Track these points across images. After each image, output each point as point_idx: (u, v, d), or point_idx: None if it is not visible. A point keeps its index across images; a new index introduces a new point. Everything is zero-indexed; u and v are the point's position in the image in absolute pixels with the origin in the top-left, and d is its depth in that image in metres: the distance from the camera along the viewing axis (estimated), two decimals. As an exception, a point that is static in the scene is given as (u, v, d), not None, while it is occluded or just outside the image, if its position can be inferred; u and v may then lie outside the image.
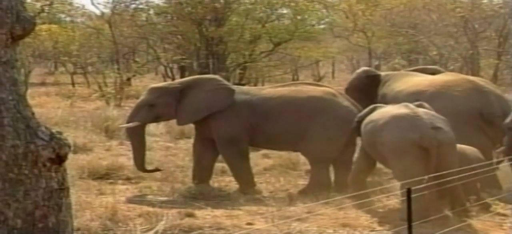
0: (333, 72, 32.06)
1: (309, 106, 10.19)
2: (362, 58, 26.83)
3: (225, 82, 11.13)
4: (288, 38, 23.43)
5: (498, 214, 8.79)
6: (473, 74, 23.06)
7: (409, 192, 6.25)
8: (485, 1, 24.37)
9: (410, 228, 6.27)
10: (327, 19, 27.00)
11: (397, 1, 25.19)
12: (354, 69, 27.11)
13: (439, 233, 7.86)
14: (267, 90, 10.81)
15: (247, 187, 10.14)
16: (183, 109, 10.52)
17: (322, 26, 27.20)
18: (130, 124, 10.66)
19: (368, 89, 11.00)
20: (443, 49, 24.37)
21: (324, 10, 25.56)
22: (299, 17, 23.78)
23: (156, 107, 10.56)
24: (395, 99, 10.18)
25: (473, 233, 8.10)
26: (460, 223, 8.27)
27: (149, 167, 10.85)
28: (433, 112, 8.95)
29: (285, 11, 24.46)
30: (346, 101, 10.34)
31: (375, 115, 9.19)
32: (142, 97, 10.94)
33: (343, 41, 27.80)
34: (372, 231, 8.06)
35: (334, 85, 21.40)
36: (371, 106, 9.59)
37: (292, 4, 23.64)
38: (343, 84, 20.23)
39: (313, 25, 25.12)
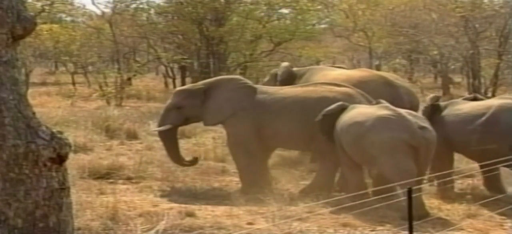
0: (333, 72, 32.05)
1: (319, 107, 10.14)
2: (362, 58, 26.81)
3: (247, 81, 11.19)
4: (289, 38, 23.42)
5: (499, 214, 8.80)
6: (473, 74, 23.14)
7: (410, 191, 6.25)
8: (485, 0, 24.35)
9: (410, 228, 6.28)
10: (327, 19, 27.00)
11: (397, 1, 25.19)
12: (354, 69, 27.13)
13: (440, 233, 7.87)
14: (284, 90, 10.80)
15: (249, 188, 10.11)
16: (208, 110, 10.65)
17: (322, 26, 27.20)
18: (162, 128, 10.85)
19: (283, 85, 11.57)
20: (444, 49, 24.34)
21: (324, 10, 25.57)
22: (299, 17, 23.77)
23: (184, 109, 10.75)
24: None
25: (474, 233, 8.11)
26: (460, 223, 8.28)
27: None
28: (415, 113, 9.29)
29: (286, 11, 24.49)
30: (362, 103, 10.18)
31: (356, 116, 9.31)
32: (169, 101, 11.15)
33: (343, 41, 27.80)
34: (372, 231, 8.07)
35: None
36: (339, 103, 9.74)
37: (293, 4, 23.64)
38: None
39: (314, 25, 25.12)
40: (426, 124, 9.10)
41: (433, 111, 10.13)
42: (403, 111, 9.18)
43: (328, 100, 10.13)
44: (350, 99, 10.13)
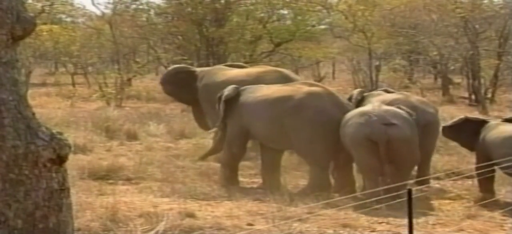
0: (333, 73, 32.06)
1: (280, 106, 10.38)
2: (362, 59, 26.72)
3: None
4: (289, 39, 23.41)
5: (499, 214, 8.80)
6: (473, 75, 23.13)
7: (410, 192, 6.25)
8: (485, 1, 24.35)
9: (410, 228, 6.28)
10: (327, 20, 26.96)
11: (397, 1, 25.17)
12: (354, 70, 27.15)
13: (440, 233, 7.87)
14: (262, 89, 10.97)
15: (227, 182, 10.45)
16: None
17: (322, 27, 27.16)
18: None
19: (185, 84, 13.49)
20: (444, 49, 24.32)
21: (324, 11, 25.54)
22: (299, 18, 23.76)
23: None
24: (221, 87, 12.19)
25: (474, 233, 8.11)
26: (460, 224, 8.28)
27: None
28: (394, 109, 9.76)
29: (286, 12, 24.47)
30: (322, 102, 10.32)
31: (350, 112, 10.00)
32: None
33: (343, 42, 27.73)
34: (372, 231, 8.07)
35: (335, 85, 21.45)
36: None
37: (292, 4, 23.63)
38: (344, 84, 20.29)
39: (314, 26, 25.10)
40: (397, 121, 9.50)
41: (358, 105, 10.79)
42: (382, 108, 9.69)
43: (292, 100, 10.35)
44: (306, 99, 10.32)
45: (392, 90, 12.53)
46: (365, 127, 9.42)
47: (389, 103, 10.30)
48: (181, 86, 13.61)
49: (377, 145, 9.30)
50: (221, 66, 14.68)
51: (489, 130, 9.78)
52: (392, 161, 9.27)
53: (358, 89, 12.24)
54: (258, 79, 12.21)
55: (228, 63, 15.67)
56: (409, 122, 9.63)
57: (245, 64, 15.10)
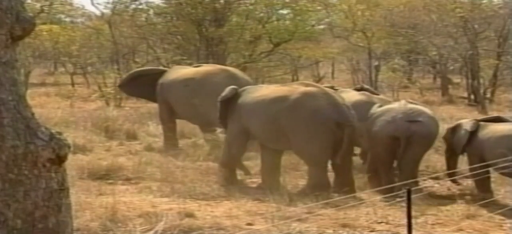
0: (332, 73, 32.06)
1: (276, 106, 10.40)
2: (361, 59, 26.74)
3: None
4: (288, 39, 23.41)
5: (498, 214, 8.80)
6: (472, 75, 23.14)
7: (409, 193, 6.26)
8: (484, 1, 24.37)
9: (409, 228, 6.28)
10: (327, 20, 26.97)
11: (397, 1, 25.18)
12: (353, 70, 27.16)
13: (439, 233, 7.88)
14: (260, 89, 11.02)
15: (226, 182, 10.48)
16: None
17: (322, 27, 27.17)
18: None
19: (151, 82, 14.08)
20: (443, 49, 24.34)
21: (324, 11, 25.54)
22: (299, 18, 23.76)
23: None
24: (172, 86, 13.64)
25: (473, 233, 8.11)
26: (459, 223, 8.29)
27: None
28: (419, 107, 10.21)
29: (285, 12, 24.47)
30: (317, 102, 10.32)
31: (378, 109, 10.38)
32: None
33: (342, 42, 27.77)
34: (372, 231, 8.07)
35: (334, 85, 21.36)
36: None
37: (292, 4, 23.63)
38: (343, 84, 20.29)
39: (313, 26, 25.10)
40: (421, 118, 9.88)
41: None
42: (408, 106, 10.07)
43: (288, 100, 10.37)
44: (308, 97, 10.33)
45: (367, 87, 13.09)
46: (390, 124, 9.85)
47: (352, 103, 10.70)
48: (155, 86, 14.10)
49: (399, 141, 9.69)
50: (182, 66, 15.48)
51: (481, 130, 9.93)
52: (406, 156, 9.65)
53: (328, 85, 12.72)
54: (204, 78, 12.97)
55: (198, 64, 16.08)
56: (434, 121, 9.97)
57: (204, 64, 15.44)
